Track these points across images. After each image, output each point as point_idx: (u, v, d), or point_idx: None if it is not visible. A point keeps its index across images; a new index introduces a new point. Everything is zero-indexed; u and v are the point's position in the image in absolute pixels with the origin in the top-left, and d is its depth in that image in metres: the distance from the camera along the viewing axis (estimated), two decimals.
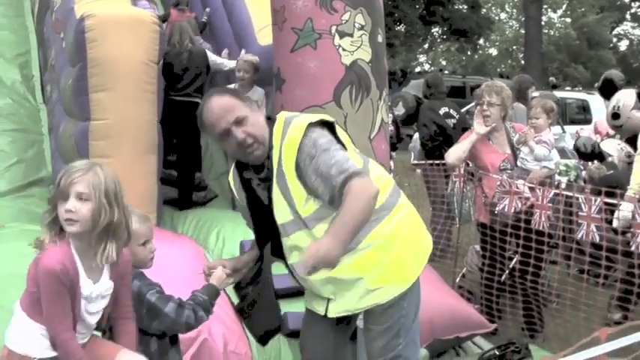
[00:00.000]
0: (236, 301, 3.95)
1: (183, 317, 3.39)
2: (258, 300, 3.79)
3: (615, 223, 5.60)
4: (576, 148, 7.74)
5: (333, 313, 3.59)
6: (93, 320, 3.20)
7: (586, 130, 10.59)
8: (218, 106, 3.42)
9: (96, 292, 3.12)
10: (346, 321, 3.77)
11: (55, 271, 2.95)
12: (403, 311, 3.60)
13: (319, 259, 3.10)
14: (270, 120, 3.52)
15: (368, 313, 3.61)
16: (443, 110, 8.94)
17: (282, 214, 3.43)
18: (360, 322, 3.85)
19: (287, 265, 3.59)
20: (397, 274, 3.53)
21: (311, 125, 3.38)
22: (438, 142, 8.62)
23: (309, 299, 3.71)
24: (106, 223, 3.02)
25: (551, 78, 32.18)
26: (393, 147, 12.02)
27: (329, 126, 3.47)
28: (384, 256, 3.47)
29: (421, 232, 3.72)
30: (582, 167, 7.90)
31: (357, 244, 3.39)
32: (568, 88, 31.44)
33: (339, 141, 3.45)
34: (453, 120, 8.84)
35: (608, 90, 8.64)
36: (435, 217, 8.24)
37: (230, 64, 7.86)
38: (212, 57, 7.94)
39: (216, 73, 8.13)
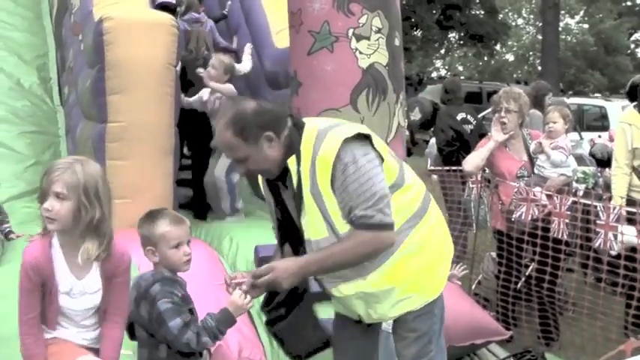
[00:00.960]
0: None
1: (184, 338, 3.34)
2: (295, 323, 3.68)
3: (617, 247, 5.52)
4: (592, 155, 7.69)
5: (368, 320, 3.59)
6: (80, 317, 3.22)
7: (602, 138, 10.53)
8: (220, 138, 3.31)
9: (78, 288, 3.13)
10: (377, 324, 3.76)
11: (26, 266, 3.03)
12: (435, 318, 3.61)
13: (269, 280, 3.20)
14: (297, 126, 3.38)
15: (400, 320, 3.58)
16: (460, 116, 8.91)
17: (315, 230, 3.30)
18: (384, 325, 3.88)
19: (315, 278, 3.51)
20: (428, 281, 3.52)
21: (347, 140, 3.23)
22: (455, 147, 8.60)
23: (338, 305, 3.68)
24: (87, 220, 3.04)
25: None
26: (408, 152, 12.01)
27: (365, 137, 3.32)
28: (416, 263, 3.43)
29: (448, 238, 3.69)
30: (599, 174, 7.85)
31: (390, 255, 3.35)
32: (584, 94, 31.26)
33: (375, 152, 3.33)
34: (470, 126, 8.80)
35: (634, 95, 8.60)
36: (451, 222, 8.22)
37: (244, 68, 7.84)
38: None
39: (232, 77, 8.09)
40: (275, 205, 3.53)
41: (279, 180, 3.43)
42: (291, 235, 3.48)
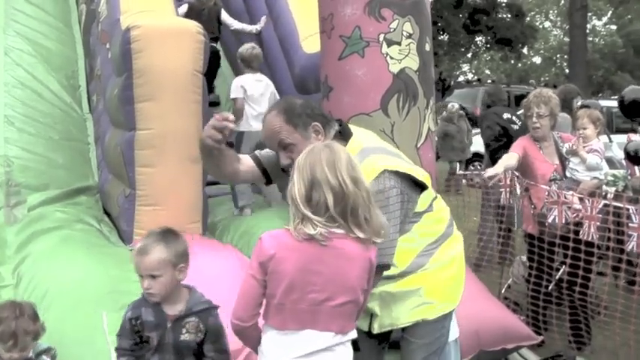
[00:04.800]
0: None
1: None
2: None
3: None
4: (626, 152, 7.59)
5: (378, 329, 3.59)
6: None
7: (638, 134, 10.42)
8: (269, 125, 3.40)
9: None
10: (386, 341, 3.77)
11: None
12: (444, 330, 3.66)
13: None
14: (343, 134, 3.45)
15: (410, 326, 3.60)
16: (506, 115, 9.14)
17: None
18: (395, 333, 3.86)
19: None
20: (451, 293, 3.60)
21: (387, 172, 3.28)
22: (502, 142, 8.60)
23: None
24: None
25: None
26: (436, 156, 12.07)
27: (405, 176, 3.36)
28: (442, 274, 3.53)
29: (464, 265, 3.79)
30: (630, 177, 7.77)
31: (419, 268, 3.45)
32: (614, 97, 31.00)
33: (417, 184, 3.40)
34: (515, 126, 8.88)
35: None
36: (482, 227, 8.24)
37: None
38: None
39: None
40: None
41: None
42: None
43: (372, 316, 3.57)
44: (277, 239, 2.86)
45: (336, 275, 2.82)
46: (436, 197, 3.64)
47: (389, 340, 3.80)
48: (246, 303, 2.93)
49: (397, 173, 3.32)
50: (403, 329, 3.63)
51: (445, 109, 15.19)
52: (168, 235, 3.50)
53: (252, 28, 9.00)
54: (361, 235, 2.81)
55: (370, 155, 3.32)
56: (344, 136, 3.45)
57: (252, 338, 3.01)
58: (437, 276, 3.52)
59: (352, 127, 3.60)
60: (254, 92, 7.41)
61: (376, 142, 3.59)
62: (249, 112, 7.38)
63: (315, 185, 2.79)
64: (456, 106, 13.54)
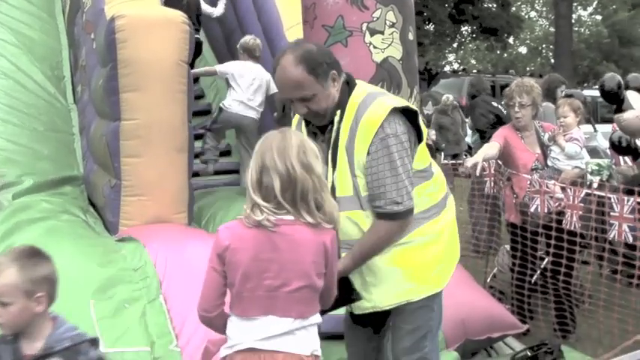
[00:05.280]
0: None
1: None
2: None
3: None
4: (611, 142, 7.62)
5: (358, 310, 3.58)
6: None
7: None
8: (289, 76, 3.29)
9: None
10: (374, 326, 3.74)
11: None
12: (432, 314, 3.59)
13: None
14: (349, 83, 3.44)
15: (397, 312, 3.55)
16: (494, 103, 9.59)
17: (344, 186, 3.38)
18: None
19: None
20: (433, 274, 3.51)
21: (395, 110, 3.30)
22: (497, 128, 8.64)
23: None
24: None
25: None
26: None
27: (411, 114, 3.39)
28: (426, 253, 3.46)
29: (457, 238, 3.73)
30: (614, 166, 7.80)
31: (400, 238, 3.39)
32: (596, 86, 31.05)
33: (418, 132, 3.42)
34: (504, 112, 9.08)
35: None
36: (472, 217, 8.32)
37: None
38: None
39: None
40: None
41: (321, 130, 3.49)
42: None
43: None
44: (231, 230, 2.90)
45: (288, 262, 2.85)
46: (431, 161, 3.61)
47: (381, 325, 3.74)
48: (208, 294, 2.97)
49: (404, 111, 3.34)
50: (389, 312, 3.58)
51: (431, 98, 15.20)
52: (28, 256, 2.97)
53: (212, 11, 9.39)
54: (311, 220, 2.84)
55: (375, 100, 3.33)
56: (350, 84, 3.44)
57: (220, 327, 3.03)
58: (416, 257, 3.44)
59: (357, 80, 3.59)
60: (246, 79, 7.80)
61: (377, 89, 3.63)
62: (234, 95, 7.78)
63: (265, 171, 2.83)
64: (451, 97, 13.54)
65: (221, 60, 9.26)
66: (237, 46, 8.11)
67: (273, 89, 7.72)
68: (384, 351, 3.69)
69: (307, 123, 3.54)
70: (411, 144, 3.37)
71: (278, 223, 2.83)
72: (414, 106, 3.43)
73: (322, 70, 3.30)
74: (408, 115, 3.37)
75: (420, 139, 3.45)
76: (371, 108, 3.29)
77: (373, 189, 3.29)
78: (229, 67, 7.97)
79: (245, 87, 7.78)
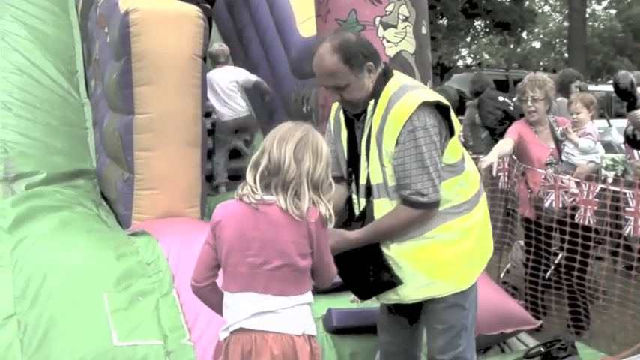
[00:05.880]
0: None
1: None
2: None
3: None
4: (626, 136, 7.57)
5: (384, 300, 3.60)
6: None
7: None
8: (325, 64, 3.35)
9: None
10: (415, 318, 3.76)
11: None
12: (465, 312, 3.59)
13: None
14: (386, 74, 3.46)
15: (428, 309, 3.59)
16: (501, 98, 9.32)
17: (376, 174, 3.42)
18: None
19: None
20: (458, 272, 3.51)
21: (425, 104, 3.31)
22: (507, 124, 8.62)
23: None
24: None
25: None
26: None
27: (443, 109, 3.41)
28: (450, 250, 3.46)
29: (490, 236, 3.73)
30: (629, 161, 7.76)
31: (423, 232, 3.40)
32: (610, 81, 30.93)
33: (450, 127, 3.43)
34: (511, 107, 8.96)
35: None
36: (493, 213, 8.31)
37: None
38: None
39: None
40: (348, 143, 3.59)
41: (357, 118, 3.52)
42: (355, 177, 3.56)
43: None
44: (225, 208, 3.06)
45: (268, 241, 2.96)
46: (464, 156, 3.61)
47: (416, 317, 3.77)
48: (199, 265, 3.14)
49: (436, 105, 3.36)
50: (425, 312, 3.63)
51: (444, 93, 15.16)
52: None
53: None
54: (282, 205, 2.93)
55: (407, 92, 3.35)
56: (386, 75, 3.46)
57: (207, 299, 3.21)
58: (436, 257, 3.43)
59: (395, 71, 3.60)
60: (222, 85, 8.14)
61: (414, 82, 3.64)
62: (215, 104, 8.18)
63: (263, 153, 2.96)
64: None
65: (233, 54, 9.23)
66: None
67: (253, 77, 8.24)
68: (417, 342, 3.82)
69: (345, 110, 3.57)
70: (441, 138, 3.38)
71: (259, 202, 2.94)
72: (445, 101, 3.43)
73: (358, 61, 3.34)
74: (440, 109, 3.38)
75: (452, 133, 3.45)
76: (401, 100, 3.30)
77: (399, 180, 3.32)
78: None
79: (227, 93, 8.18)
